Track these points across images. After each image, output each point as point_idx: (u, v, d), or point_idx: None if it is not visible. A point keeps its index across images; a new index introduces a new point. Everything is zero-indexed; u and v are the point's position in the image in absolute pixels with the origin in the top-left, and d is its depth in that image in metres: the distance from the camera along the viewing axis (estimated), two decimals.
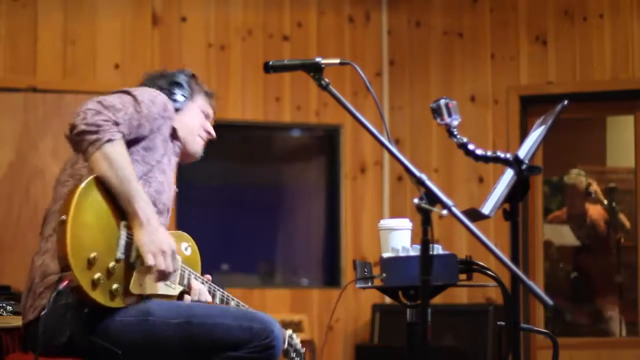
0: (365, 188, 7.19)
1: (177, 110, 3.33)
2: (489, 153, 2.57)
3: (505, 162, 2.59)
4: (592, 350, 6.77)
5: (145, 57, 6.81)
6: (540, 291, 2.25)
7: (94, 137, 2.92)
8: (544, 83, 6.88)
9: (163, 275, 2.99)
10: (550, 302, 2.24)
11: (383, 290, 3.24)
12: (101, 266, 2.90)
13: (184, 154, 3.37)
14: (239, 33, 7.01)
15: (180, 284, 3.16)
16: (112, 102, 3.00)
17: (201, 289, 3.22)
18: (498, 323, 3.01)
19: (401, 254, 3.11)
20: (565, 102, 2.81)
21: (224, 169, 7.04)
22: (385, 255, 3.14)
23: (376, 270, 3.16)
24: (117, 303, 2.96)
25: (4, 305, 3.79)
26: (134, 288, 2.99)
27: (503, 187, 2.83)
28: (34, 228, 6.39)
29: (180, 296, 3.19)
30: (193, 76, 3.49)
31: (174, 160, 3.29)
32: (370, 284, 3.21)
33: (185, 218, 6.28)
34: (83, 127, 2.93)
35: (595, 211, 7.19)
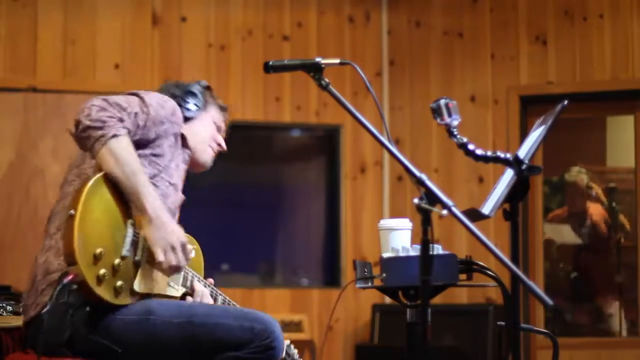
0: (365, 188, 7.19)
1: (189, 119, 3.35)
2: (489, 153, 2.57)
3: (505, 162, 2.59)
4: (592, 350, 6.78)
5: (145, 57, 6.81)
6: (540, 291, 2.25)
7: (99, 133, 2.93)
8: (544, 83, 6.88)
9: (174, 270, 3.00)
10: (550, 302, 2.24)
11: (383, 290, 3.24)
12: (107, 262, 2.91)
13: (194, 163, 3.38)
14: (239, 33, 7.01)
15: (184, 285, 3.17)
16: (118, 100, 3.01)
17: (203, 292, 3.22)
18: (498, 323, 3.01)
19: (401, 254, 3.11)
20: (565, 102, 2.81)
21: (224, 169, 7.04)
22: (385, 255, 3.14)
23: (376, 270, 3.16)
24: (121, 300, 2.97)
25: (4, 305, 3.79)
26: (137, 286, 3.00)
27: (503, 187, 2.83)
28: (34, 228, 6.45)
29: (183, 298, 3.20)
30: (208, 88, 3.48)
31: (183, 167, 3.29)
32: (370, 284, 3.21)
33: (185, 218, 6.28)
34: (88, 122, 2.93)
35: (595, 210, 7.19)
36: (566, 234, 7.21)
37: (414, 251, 3.11)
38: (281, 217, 7.45)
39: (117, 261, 2.94)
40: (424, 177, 2.44)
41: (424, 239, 2.39)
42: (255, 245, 7.25)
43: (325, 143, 7.40)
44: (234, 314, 3.08)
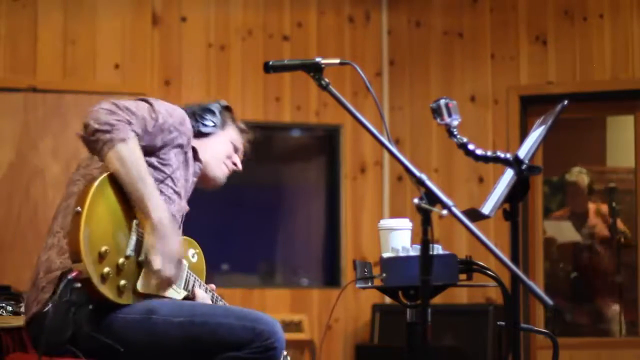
0: (365, 188, 7.19)
1: (205, 134, 3.38)
2: (489, 153, 2.57)
3: (505, 162, 2.59)
4: (592, 350, 6.78)
5: (145, 57, 6.81)
6: (540, 291, 2.25)
7: (107, 136, 2.93)
8: (544, 83, 6.88)
9: (167, 282, 3.01)
10: (550, 302, 2.24)
11: (383, 290, 3.24)
12: (111, 261, 2.92)
13: (205, 177, 3.39)
14: (239, 33, 7.01)
15: (185, 289, 3.18)
16: (127, 104, 3.01)
17: (204, 298, 3.24)
18: (498, 323, 3.01)
19: (401, 254, 3.11)
20: (565, 102, 2.81)
21: None
22: (385, 255, 3.14)
23: (376, 270, 3.16)
24: (124, 300, 2.97)
25: (4, 305, 3.79)
26: (140, 287, 3.00)
27: (503, 187, 2.83)
28: (34, 228, 6.45)
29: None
30: (227, 108, 3.50)
31: (192, 179, 3.30)
32: (370, 284, 3.21)
33: (185, 218, 6.28)
34: (96, 126, 2.94)
35: (596, 211, 7.19)
36: (567, 232, 7.21)
37: (414, 251, 3.11)
38: (281, 217, 7.46)
39: (121, 260, 2.95)
40: (424, 177, 2.44)
41: (424, 239, 2.39)
42: (255, 245, 7.25)
43: (325, 143, 7.40)
44: (236, 314, 3.08)
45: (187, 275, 3.18)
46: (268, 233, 7.35)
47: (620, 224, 7.04)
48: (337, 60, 2.78)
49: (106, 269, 2.90)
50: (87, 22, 6.72)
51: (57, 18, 6.66)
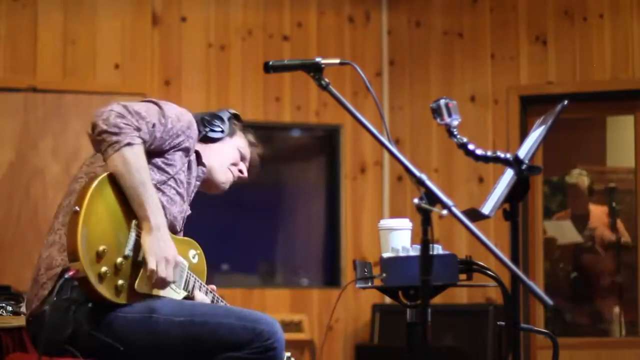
0: (365, 188, 7.19)
1: (212, 139, 3.39)
2: (489, 153, 2.57)
3: (505, 162, 2.59)
4: (592, 350, 6.78)
5: (145, 57, 6.81)
6: (540, 291, 2.25)
7: (114, 138, 2.94)
8: (544, 83, 6.88)
9: (161, 283, 3.01)
10: (550, 302, 2.24)
11: (383, 290, 3.24)
12: (109, 261, 2.92)
13: (208, 182, 3.41)
14: (239, 33, 7.01)
15: (185, 289, 3.18)
16: (138, 109, 3.02)
17: (204, 299, 3.24)
18: (498, 323, 3.01)
19: (401, 254, 3.11)
20: (565, 102, 2.81)
21: None
22: (385, 255, 3.14)
23: (376, 270, 3.16)
24: (121, 299, 2.97)
25: (4, 305, 3.79)
26: (139, 287, 3.00)
27: (503, 187, 2.83)
28: (34, 228, 6.45)
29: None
30: (237, 117, 3.53)
31: (194, 182, 3.31)
32: (370, 284, 3.21)
33: (186, 220, 6.28)
34: (104, 127, 2.95)
35: (597, 212, 7.19)
36: (568, 232, 7.21)
37: (414, 251, 3.11)
38: (281, 217, 7.46)
39: (119, 260, 2.95)
40: (424, 177, 2.44)
41: (424, 239, 2.39)
42: (255, 245, 7.25)
43: (325, 143, 7.40)
44: (237, 314, 3.09)
45: (187, 276, 3.18)
46: (268, 233, 7.35)
47: (620, 225, 7.04)
48: (337, 60, 2.78)
49: (103, 269, 2.90)
50: (87, 22, 6.72)
51: (57, 18, 6.66)
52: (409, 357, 3.13)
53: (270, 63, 2.83)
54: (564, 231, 7.23)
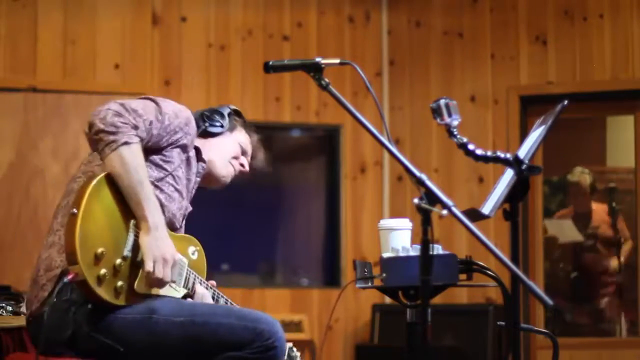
0: (365, 188, 7.19)
1: (212, 134, 3.38)
2: (489, 153, 2.57)
3: (505, 162, 2.59)
4: (592, 350, 6.78)
5: (145, 57, 6.81)
6: (540, 291, 2.25)
7: (111, 137, 2.93)
8: (544, 83, 6.88)
9: (159, 283, 3.00)
10: (550, 302, 2.24)
11: (383, 290, 3.24)
12: (108, 262, 2.92)
13: (209, 176, 3.40)
14: (239, 33, 7.01)
15: (185, 287, 3.17)
16: (135, 106, 3.01)
17: (204, 294, 3.23)
18: (498, 323, 3.01)
19: (401, 254, 3.11)
20: (565, 102, 2.81)
21: None
22: (385, 255, 3.14)
23: (376, 270, 3.16)
24: (121, 301, 2.97)
25: (4, 305, 3.79)
26: (138, 287, 3.00)
27: (503, 187, 2.83)
28: (34, 228, 6.45)
29: (184, 299, 3.19)
30: (237, 112, 3.51)
31: (194, 179, 3.30)
32: (370, 284, 3.21)
33: (187, 217, 6.28)
34: (101, 126, 2.94)
35: (599, 210, 7.18)
36: (568, 231, 7.21)
37: (414, 251, 3.11)
38: (281, 217, 7.46)
39: (118, 261, 2.95)
40: (424, 177, 2.44)
41: (424, 239, 2.39)
42: (255, 245, 7.25)
43: (325, 143, 7.40)
44: (237, 313, 3.09)
45: (186, 273, 3.17)
46: (268, 233, 7.35)
47: (622, 224, 7.04)
48: (337, 60, 2.78)
49: (102, 271, 2.90)
50: (87, 22, 6.72)
51: (57, 18, 6.66)
52: (409, 357, 3.13)
53: (270, 63, 2.82)
54: (565, 230, 7.23)
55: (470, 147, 2.56)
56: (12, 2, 6.59)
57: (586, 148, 7.64)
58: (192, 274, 3.20)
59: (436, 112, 2.56)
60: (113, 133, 2.93)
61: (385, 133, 2.77)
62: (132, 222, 2.99)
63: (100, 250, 2.89)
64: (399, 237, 3.17)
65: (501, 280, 3.14)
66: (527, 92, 6.94)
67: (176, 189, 3.18)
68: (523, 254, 6.71)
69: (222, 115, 3.43)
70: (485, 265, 3.20)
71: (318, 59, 2.73)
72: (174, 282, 3.07)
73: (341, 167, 7.18)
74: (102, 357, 3.01)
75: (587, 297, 7.29)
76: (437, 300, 3.10)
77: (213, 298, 3.27)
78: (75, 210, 2.87)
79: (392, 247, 3.15)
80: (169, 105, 3.14)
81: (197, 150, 3.30)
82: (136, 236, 3.00)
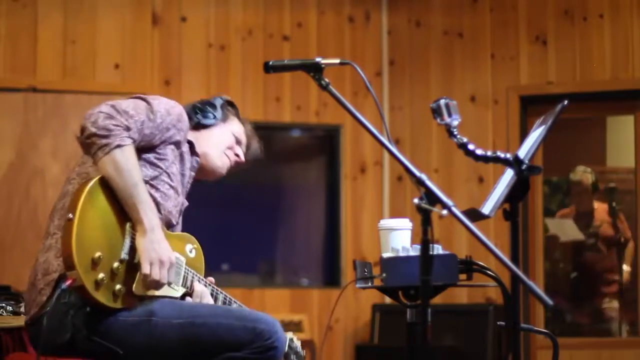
0: (365, 188, 7.19)
1: (205, 126, 3.36)
2: (489, 153, 2.57)
3: (505, 162, 2.59)
4: (592, 350, 6.77)
5: (145, 57, 6.81)
6: (540, 291, 2.25)
7: (103, 141, 2.92)
8: (544, 83, 6.88)
9: (156, 285, 3.00)
10: (550, 302, 2.24)
11: (383, 290, 3.24)
12: (105, 266, 2.91)
13: (204, 169, 3.37)
14: (239, 33, 7.01)
15: (183, 285, 3.16)
16: (126, 107, 3.00)
17: (203, 292, 3.22)
18: (498, 323, 3.01)
19: (401, 254, 3.11)
20: (565, 102, 2.81)
21: None
22: (385, 255, 3.14)
23: (376, 270, 3.16)
24: (119, 304, 2.96)
25: (4, 305, 3.79)
26: (137, 289, 2.99)
27: (503, 187, 2.83)
28: (34, 228, 6.45)
29: (182, 298, 3.19)
30: (230, 103, 3.49)
31: (189, 173, 3.29)
32: (370, 284, 3.21)
33: (185, 218, 6.28)
34: (93, 130, 2.93)
35: (602, 209, 7.19)
36: (569, 229, 7.21)
37: (414, 251, 3.11)
38: (281, 217, 7.45)
39: (115, 265, 2.94)
40: (424, 177, 2.44)
41: (424, 239, 2.39)
42: (255, 245, 7.25)
43: (325, 143, 7.40)
44: (236, 314, 3.08)
45: (184, 272, 3.16)
46: (268, 233, 7.35)
47: (623, 224, 7.04)
48: (337, 60, 2.78)
49: (100, 275, 2.89)
50: (87, 22, 6.72)
51: (57, 18, 6.66)
52: (409, 357, 3.12)
53: (270, 63, 2.82)
54: (566, 229, 7.23)
55: (470, 147, 2.56)
56: (12, 2, 6.59)
57: (586, 148, 7.65)
58: (190, 272, 3.19)
59: (436, 112, 2.56)
60: (105, 136, 2.92)
61: (385, 133, 2.77)
62: (129, 224, 2.98)
63: (97, 254, 2.88)
64: (399, 237, 3.17)
65: (501, 280, 3.14)
66: (527, 92, 6.94)
67: (171, 186, 3.16)
68: (523, 254, 6.71)
69: (214, 107, 3.40)
70: (485, 265, 3.20)
71: (318, 59, 2.72)
72: (171, 283, 3.06)
73: (341, 167, 7.18)
74: (101, 359, 3.00)
75: (587, 297, 7.29)
76: (437, 300, 3.09)
77: (212, 295, 3.25)
78: (71, 216, 2.87)
79: (392, 247, 3.15)
80: (161, 103, 3.12)
81: (191, 145, 3.28)
82: (133, 239, 2.99)
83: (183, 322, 3.01)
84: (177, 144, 3.18)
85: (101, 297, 2.90)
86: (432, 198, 2.40)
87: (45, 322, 2.86)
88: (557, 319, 7.20)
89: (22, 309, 3.69)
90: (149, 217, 2.96)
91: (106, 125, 2.92)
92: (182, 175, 3.25)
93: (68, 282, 2.84)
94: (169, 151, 3.16)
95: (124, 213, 2.98)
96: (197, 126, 3.35)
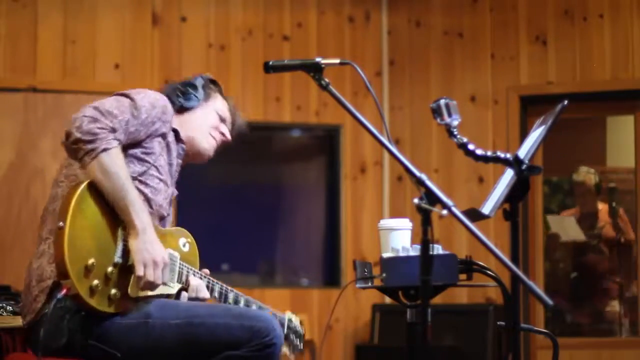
0: (365, 188, 7.19)
1: (188, 109, 3.33)
2: (489, 153, 2.57)
3: (505, 162, 2.59)
4: (592, 350, 6.77)
5: (145, 57, 6.81)
6: (540, 291, 2.25)
7: (89, 146, 2.91)
8: (544, 83, 6.88)
9: (150, 286, 2.99)
10: (550, 302, 2.24)
11: (383, 290, 3.24)
12: (99, 272, 2.90)
13: (192, 154, 3.35)
14: (239, 33, 7.01)
15: (179, 281, 3.15)
16: (110, 107, 2.98)
17: (199, 285, 3.20)
18: (498, 323, 3.01)
19: (401, 254, 3.11)
20: (565, 102, 2.81)
21: (224, 169, 7.04)
22: (385, 255, 3.14)
23: (376, 270, 3.16)
24: (116, 308, 2.96)
25: (4, 305, 3.79)
26: (132, 292, 2.99)
27: (503, 187, 2.83)
28: (34, 228, 6.37)
29: (179, 293, 3.18)
30: (212, 81, 3.45)
31: (177, 162, 3.28)
32: (370, 284, 3.21)
33: (185, 218, 6.28)
34: (78, 135, 2.91)
35: (606, 210, 7.19)
36: (570, 228, 7.20)
37: (414, 251, 3.11)
38: (281, 217, 7.45)
39: (109, 269, 2.93)
40: (424, 177, 2.44)
41: (424, 239, 2.39)
42: (255, 245, 7.25)
43: (325, 143, 7.39)
44: (233, 313, 3.08)
45: (179, 268, 3.15)
46: (268, 233, 7.35)
47: (625, 224, 7.03)
48: (337, 60, 2.77)
49: (94, 282, 2.88)
50: (87, 22, 6.72)
51: (57, 18, 6.66)
52: (409, 357, 3.12)
53: (270, 63, 2.82)
54: (566, 227, 7.22)
55: (470, 147, 2.56)
56: (12, 2, 6.59)
57: (586, 148, 7.65)
58: (185, 266, 3.18)
59: (436, 112, 2.56)
60: (91, 141, 2.90)
61: (385, 133, 2.77)
62: (120, 227, 2.97)
63: (90, 261, 2.88)
64: (399, 237, 3.17)
65: (501, 280, 3.14)
66: (527, 92, 6.94)
67: (160, 180, 3.15)
68: (523, 254, 6.71)
69: (195, 87, 3.37)
70: (485, 265, 3.20)
71: (318, 59, 2.72)
72: (165, 284, 3.05)
73: (341, 167, 7.17)
74: None
75: (587, 297, 7.29)
76: (437, 300, 3.10)
77: (207, 287, 3.24)
78: (61, 224, 2.86)
79: (392, 247, 3.15)
80: (145, 97, 3.09)
81: (176, 133, 3.26)
82: (125, 241, 2.98)
83: (180, 322, 3.01)
84: (164, 136, 3.17)
85: (96, 303, 2.89)
86: (432, 198, 2.40)
87: (42, 332, 2.85)
88: (557, 319, 7.20)
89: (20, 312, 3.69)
90: (141, 218, 2.95)
91: (91, 129, 2.91)
92: (170, 165, 3.23)
93: (63, 292, 2.83)
94: (156, 144, 3.14)
95: (115, 216, 2.96)
96: (180, 109, 3.32)
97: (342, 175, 7.17)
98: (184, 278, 3.17)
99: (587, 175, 7.24)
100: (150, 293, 3.03)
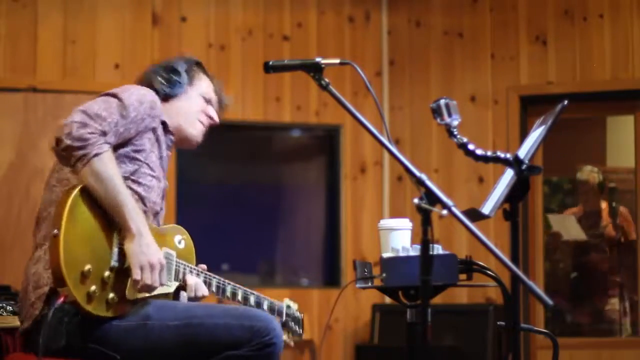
0: (365, 188, 7.19)
1: (173, 96, 3.31)
2: (489, 153, 2.57)
3: (505, 162, 2.59)
4: (592, 350, 6.77)
5: (145, 57, 6.80)
6: (540, 291, 2.25)
7: (80, 152, 2.89)
8: (544, 83, 6.88)
9: (147, 289, 2.98)
10: (550, 302, 2.24)
11: (383, 290, 3.24)
12: (95, 278, 2.89)
13: (180, 141, 3.33)
14: (239, 33, 7.01)
15: (176, 279, 3.15)
16: (98, 110, 2.96)
17: (197, 284, 3.19)
18: (498, 323, 3.01)
19: (401, 254, 3.11)
20: (565, 102, 2.81)
21: (224, 169, 7.04)
22: (385, 255, 3.14)
23: (376, 270, 3.16)
24: (114, 312, 2.95)
25: (4, 305, 3.79)
26: (130, 294, 2.98)
27: (503, 187, 2.83)
28: (33, 228, 6.42)
29: (177, 292, 3.17)
30: (197, 63, 3.41)
31: (167, 153, 3.26)
32: (370, 284, 3.21)
33: (185, 218, 6.28)
34: (69, 142, 2.89)
35: (608, 210, 7.19)
36: (570, 227, 7.20)
37: (414, 251, 3.11)
38: (281, 217, 7.45)
39: (106, 274, 2.92)
40: (424, 177, 2.44)
41: (424, 239, 2.39)
42: (255, 245, 7.25)
43: (325, 143, 7.39)
44: (233, 312, 3.07)
45: (175, 266, 3.15)
46: (268, 233, 7.35)
47: (626, 223, 7.03)
48: (337, 60, 2.77)
49: (92, 288, 2.88)
50: (87, 22, 6.72)
51: (57, 18, 6.66)
52: (409, 357, 3.12)
53: (270, 63, 2.82)
54: (567, 226, 7.22)
55: (470, 147, 2.56)
56: (12, 2, 6.59)
57: (586, 148, 7.65)
58: (181, 264, 3.17)
59: (436, 112, 2.56)
60: (82, 147, 2.89)
61: (385, 133, 2.77)
62: (115, 231, 2.96)
63: (86, 267, 2.87)
64: (399, 237, 3.17)
65: (501, 280, 3.14)
66: (527, 92, 6.94)
67: (153, 176, 3.14)
68: (523, 254, 6.71)
69: (178, 73, 3.34)
70: (485, 265, 3.20)
71: (318, 59, 2.72)
72: (162, 285, 3.04)
73: (341, 167, 7.17)
74: None
75: (587, 297, 7.29)
76: (437, 300, 3.10)
77: (205, 282, 3.23)
78: (56, 231, 2.84)
79: (392, 247, 3.15)
80: (132, 95, 3.08)
81: (164, 124, 3.24)
82: (121, 245, 2.97)
83: (179, 323, 3.00)
84: (154, 130, 3.16)
85: (94, 309, 2.89)
86: (432, 198, 2.40)
87: (40, 340, 2.84)
88: (557, 319, 7.20)
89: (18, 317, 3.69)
90: (136, 221, 2.93)
91: (81, 135, 2.90)
92: (161, 158, 3.21)
93: (60, 300, 2.83)
94: (146, 140, 3.13)
95: (109, 220, 2.95)
96: (165, 98, 3.29)
97: (342, 175, 7.17)
98: (180, 276, 3.16)
99: (590, 173, 7.24)
100: (148, 295, 3.03)
